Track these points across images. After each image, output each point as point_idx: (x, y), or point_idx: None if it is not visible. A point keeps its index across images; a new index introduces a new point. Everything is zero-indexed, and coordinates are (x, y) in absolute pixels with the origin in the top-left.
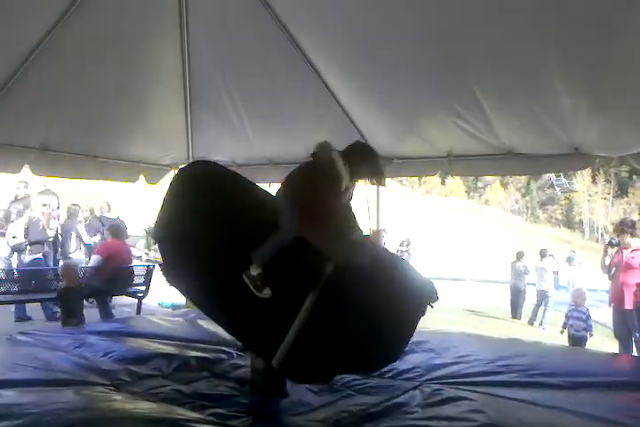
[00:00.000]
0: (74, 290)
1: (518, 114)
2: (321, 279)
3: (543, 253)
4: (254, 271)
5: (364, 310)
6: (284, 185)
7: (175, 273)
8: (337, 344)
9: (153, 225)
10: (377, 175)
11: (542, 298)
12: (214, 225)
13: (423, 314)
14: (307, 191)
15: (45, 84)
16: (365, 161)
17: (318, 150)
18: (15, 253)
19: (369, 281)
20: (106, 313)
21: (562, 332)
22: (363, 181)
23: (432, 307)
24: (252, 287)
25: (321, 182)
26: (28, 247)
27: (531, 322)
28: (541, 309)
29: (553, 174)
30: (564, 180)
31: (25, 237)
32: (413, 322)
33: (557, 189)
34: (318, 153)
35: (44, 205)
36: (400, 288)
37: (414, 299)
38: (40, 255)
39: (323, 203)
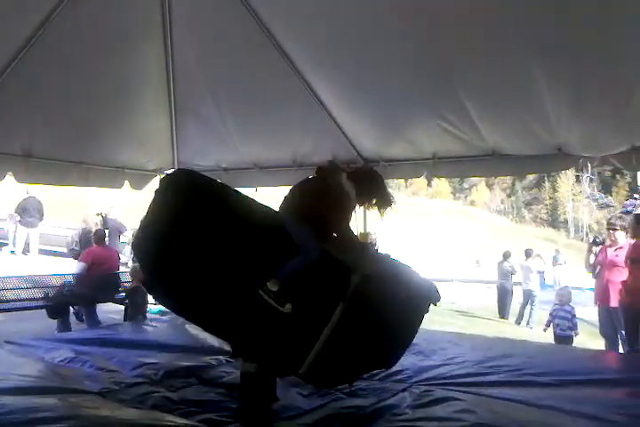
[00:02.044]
0: (141, 290)
1: (502, 115)
2: (348, 290)
3: (528, 253)
4: (273, 287)
5: (385, 314)
6: (290, 201)
7: (165, 290)
8: (361, 349)
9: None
10: (383, 204)
11: (528, 297)
12: (219, 240)
13: (427, 312)
14: (322, 209)
15: (28, 90)
16: (373, 190)
17: (327, 172)
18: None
19: (389, 287)
20: (92, 320)
21: (545, 330)
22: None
23: (435, 305)
24: (273, 303)
25: (334, 202)
26: None
27: (518, 321)
28: (528, 308)
29: (589, 189)
30: (599, 194)
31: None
32: (420, 320)
33: (594, 204)
34: (327, 177)
35: (98, 214)
36: (409, 289)
37: (421, 299)
38: None
39: (337, 220)
